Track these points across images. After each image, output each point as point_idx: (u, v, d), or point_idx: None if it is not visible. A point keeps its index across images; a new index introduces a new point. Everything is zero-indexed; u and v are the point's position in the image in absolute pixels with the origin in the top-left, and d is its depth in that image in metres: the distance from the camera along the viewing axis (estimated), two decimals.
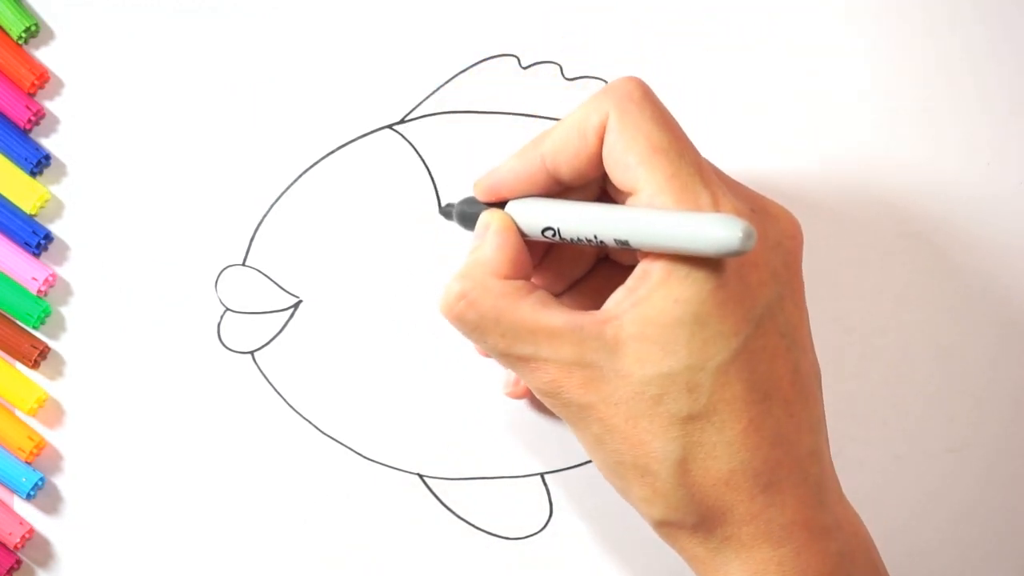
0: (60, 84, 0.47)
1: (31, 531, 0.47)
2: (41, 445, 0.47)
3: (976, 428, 0.48)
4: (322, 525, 0.47)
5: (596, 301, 0.38)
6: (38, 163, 0.47)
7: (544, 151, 0.39)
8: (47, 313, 0.47)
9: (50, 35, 0.47)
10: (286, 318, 0.47)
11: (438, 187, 0.47)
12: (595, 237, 0.37)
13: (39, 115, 0.47)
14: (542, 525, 0.47)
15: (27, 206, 0.47)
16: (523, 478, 0.47)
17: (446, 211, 0.44)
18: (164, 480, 0.47)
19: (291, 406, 0.47)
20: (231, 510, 0.47)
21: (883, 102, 0.48)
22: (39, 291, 0.47)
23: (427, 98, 0.48)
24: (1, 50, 0.47)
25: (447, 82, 0.48)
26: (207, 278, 0.47)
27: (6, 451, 0.47)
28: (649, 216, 0.35)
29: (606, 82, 0.48)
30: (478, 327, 0.38)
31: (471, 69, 0.48)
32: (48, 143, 0.47)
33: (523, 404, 0.47)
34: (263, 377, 0.47)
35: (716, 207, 0.36)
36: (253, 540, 0.47)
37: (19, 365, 0.47)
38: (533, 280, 0.41)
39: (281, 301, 0.47)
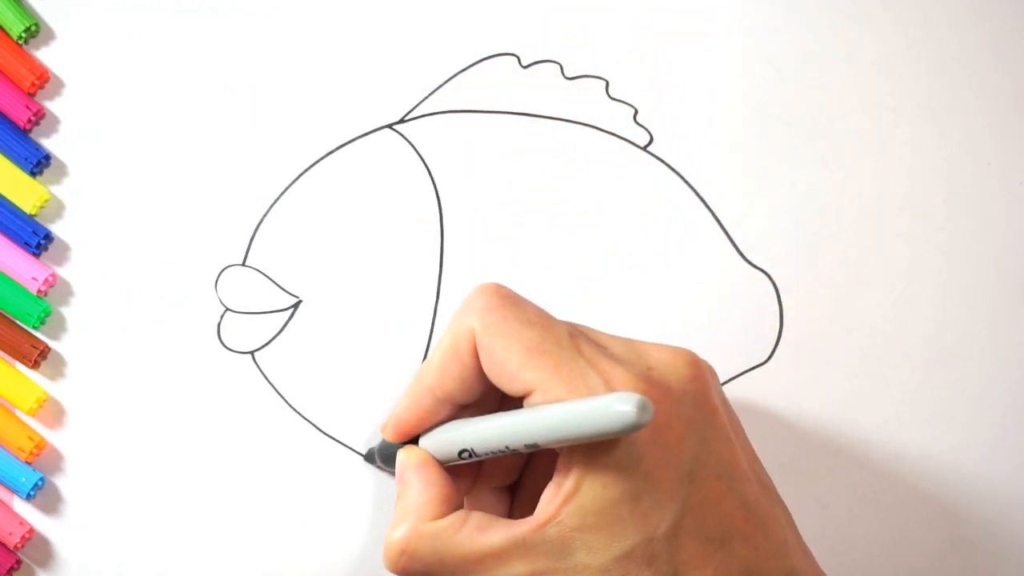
0: (60, 84, 0.47)
1: (31, 531, 0.47)
2: (41, 445, 0.47)
3: (976, 428, 0.48)
4: (322, 525, 0.47)
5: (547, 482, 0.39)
6: (38, 163, 0.47)
7: (430, 384, 0.39)
8: (47, 313, 0.47)
9: (50, 35, 0.47)
10: (286, 318, 0.47)
11: (438, 187, 0.47)
12: (507, 447, 0.37)
13: (39, 115, 0.47)
14: None
15: (27, 206, 0.47)
16: None
17: (369, 457, 0.46)
18: (164, 480, 0.47)
19: (291, 406, 0.47)
20: (231, 510, 0.47)
21: (883, 102, 0.48)
22: (39, 291, 0.47)
23: (427, 98, 0.48)
24: (1, 50, 0.46)
25: (447, 82, 0.48)
26: (207, 278, 0.47)
27: (6, 451, 0.47)
28: (547, 415, 0.35)
29: (606, 82, 0.48)
30: (426, 574, 0.38)
31: (471, 69, 0.48)
32: (48, 143, 0.47)
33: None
34: (263, 377, 0.47)
35: (609, 384, 0.35)
36: (253, 540, 0.47)
37: (19, 365, 0.47)
38: (479, 491, 0.42)
39: (281, 301, 0.47)
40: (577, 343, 0.37)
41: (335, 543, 0.47)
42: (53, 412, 0.47)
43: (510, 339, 0.37)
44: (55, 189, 0.47)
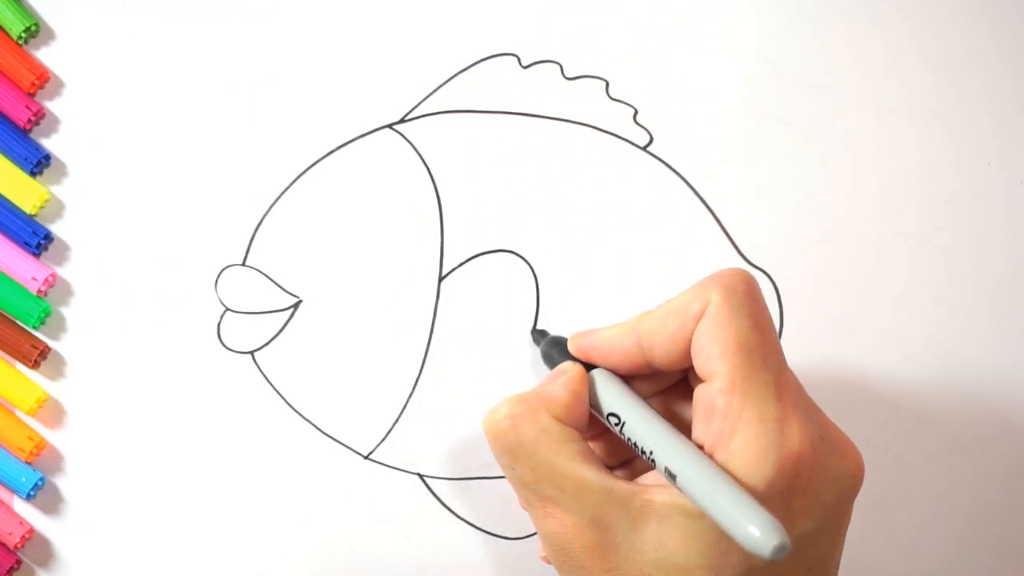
0: (60, 84, 0.47)
1: (31, 531, 0.47)
2: (41, 445, 0.47)
3: (976, 428, 0.48)
4: (322, 525, 0.47)
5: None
6: (38, 163, 0.47)
7: (642, 330, 0.38)
8: (47, 313, 0.47)
9: (50, 35, 0.47)
10: (286, 318, 0.47)
11: (438, 187, 0.47)
12: (649, 453, 0.36)
13: (39, 115, 0.47)
14: None
15: (27, 206, 0.47)
16: None
17: (536, 336, 0.46)
18: (164, 480, 0.47)
19: (291, 406, 0.47)
20: (231, 510, 0.47)
21: (883, 102, 0.48)
22: (39, 291, 0.47)
23: (427, 97, 0.48)
24: (1, 50, 0.46)
25: (447, 81, 0.48)
26: (207, 278, 0.47)
27: (6, 451, 0.47)
28: (704, 472, 0.34)
29: (606, 82, 0.48)
30: (512, 451, 0.37)
31: (471, 69, 0.48)
32: (48, 143, 0.47)
33: None
34: (263, 377, 0.47)
35: (782, 424, 0.35)
36: (253, 540, 0.47)
37: (19, 365, 0.47)
38: (593, 445, 0.41)
39: (281, 301, 0.47)
40: (782, 373, 0.36)
41: (335, 543, 0.47)
42: (53, 412, 0.47)
43: (731, 325, 0.36)
44: (55, 189, 0.47)
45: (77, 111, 0.47)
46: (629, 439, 0.38)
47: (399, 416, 0.47)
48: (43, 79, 0.47)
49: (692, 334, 0.37)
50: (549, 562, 0.39)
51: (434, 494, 0.47)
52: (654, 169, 0.48)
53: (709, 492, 0.34)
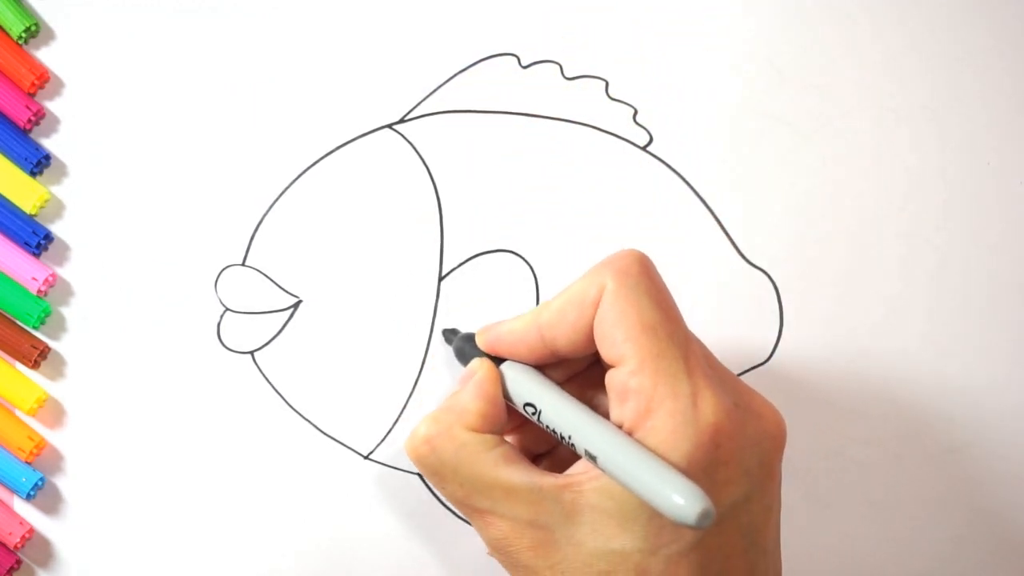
0: (60, 84, 0.47)
1: (31, 531, 0.47)
2: (41, 445, 0.47)
3: (976, 428, 0.48)
4: (322, 525, 0.47)
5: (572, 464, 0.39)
6: (38, 163, 0.47)
7: (543, 322, 0.38)
8: (47, 313, 0.47)
9: (50, 35, 0.47)
10: (286, 318, 0.47)
11: (438, 187, 0.47)
12: (568, 438, 0.37)
13: (39, 115, 0.47)
14: None
15: (27, 206, 0.47)
16: None
17: (447, 335, 0.45)
18: (164, 480, 0.47)
19: (291, 406, 0.47)
20: (231, 510, 0.47)
21: (883, 102, 0.48)
22: (39, 291, 0.47)
23: (427, 97, 0.48)
24: (1, 50, 0.46)
25: (447, 81, 0.48)
26: (207, 278, 0.47)
27: (6, 451, 0.47)
28: (623, 450, 0.35)
29: (606, 82, 0.48)
30: (437, 472, 0.38)
31: (471, 68, 0.48)
32: (48, 143, 0.47)
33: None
34: (263, 377, 0.47)
35: (695, 398, 0.35)
36: (253, 539, 0.47)
37: (19, 365, 0.47)
38: (516, 437, 0.42)
39: (281, 301, 0.47)
40: (689, 346, 0.36)
41: (335, 543, 0.47)
42: (53, 412, 0.47)
43: (631, 308, 0.36)
44: (55, 189, 0.47)
45: (77, 111, 0.47)
46: (548, 426, 0.38)
47: (399, 416, 0.47)
48: (43, 79, 0.47)
49: (592, 321, 0.37)
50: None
51: (434, 494, 0.47)
52: (654, 169, 0.48)
53: (630, 468, 0.34)
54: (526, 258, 0.47)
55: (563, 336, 0.38)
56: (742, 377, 0.47)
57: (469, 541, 0.47)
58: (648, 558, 0.35)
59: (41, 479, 0.47)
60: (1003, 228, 0.48)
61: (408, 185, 0.47)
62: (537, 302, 0.47)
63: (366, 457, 0.47)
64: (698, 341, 0.38)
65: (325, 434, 0.47)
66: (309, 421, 0.47)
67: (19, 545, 0.46)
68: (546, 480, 0.36)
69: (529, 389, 0.39)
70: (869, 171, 0.48)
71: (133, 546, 0.47)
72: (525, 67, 0.48)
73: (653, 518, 0.35)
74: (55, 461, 0.47)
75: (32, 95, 0.47)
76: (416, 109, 0.48)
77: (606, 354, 0.37)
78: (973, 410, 0.48)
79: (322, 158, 0.48)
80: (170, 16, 0.48)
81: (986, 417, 0.48)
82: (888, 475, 0.48)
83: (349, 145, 0.48)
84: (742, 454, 0.36)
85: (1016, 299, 0.48)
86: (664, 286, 0.38)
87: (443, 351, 0.47)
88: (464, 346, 0.42)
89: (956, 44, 0.49)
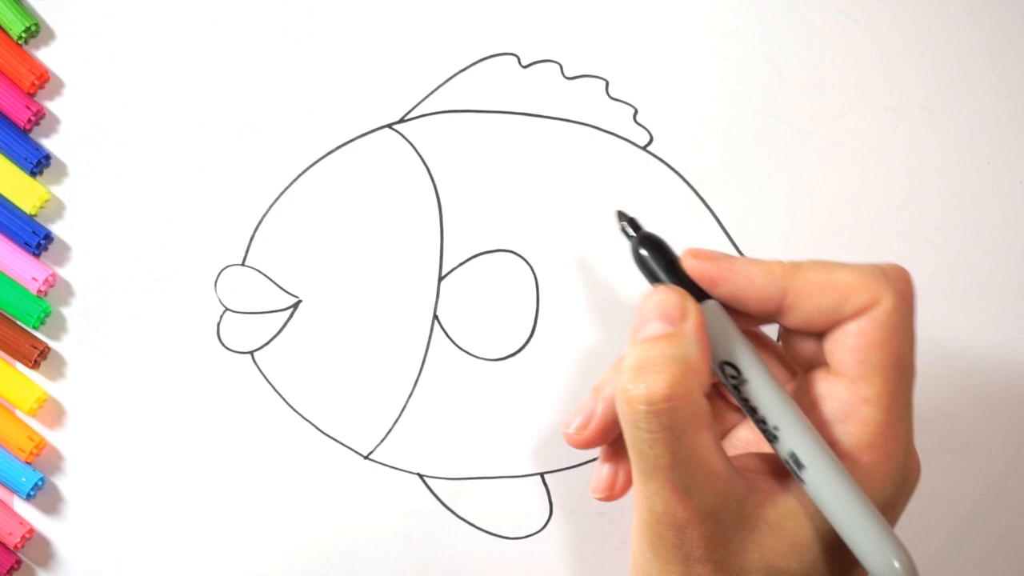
0: (60, 84, 0.47)
1: (31, 531, 0.47)
2: (41, 445, 0.47)
3: (976, 428, 0.48)
4: (322, 525, 0.47)
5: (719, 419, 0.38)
6: (38, 163, 0.47)
7: (794, 286, 0.35)
8: (47, 313, 0.47)
9: (50, 35, 0.47)
10: (286, 318, 0.47)
11: (438, 186, 0.47)
12: (774, 429, 0.34)
13: (39, 115, 0.47)
14: (542, 525, 0.47)
15: (27, 206, 0.47)
16: (523, 478, 0.47)
17: (626, 220, 0.38)
18: (164, 480, 0.47)
19: (291, 406, 0.47)
20: (231, 510, 0.47)
21: (883, 102, 0.48)
22: (39, 291, 0.47)
23: (427, 97, 0.48)
24: (1, 50, 0.46)
25: (447, 81, 0.48)
26: (207, 278, 0.47)
27: (6, 451, 0.47)
28: (839, 481, 0.33)
29: (606, 82, 0.48)
30: (659, 432, 0.33)
31: (471, 68, 0.48)
32: (48, 143, 0.47)
33: (524, 406, 0.47)
34: (263, 377, 0.47)
35: (908, 447, 0.35)
36: (253, 539, 0.47)
37: (19, 365, 0.47)
38: None
39: (280, 301, 0.47)
40: (912, 392, 0.35)
41: (336, 543, 0.47)
42: (53, 412, 0.47)
43: (896, 338, 0.34)
44: (55, 189, 0.47)
45: (77, 111, 0.47)
46: (746, 399, 0.35)
47: (399, 416, 0.47)
48: (43, 79, 0.47)
49: (846, 320, 0.35)
50: (582, 446, 0.37)
51: (434, 494, 0.47)
52: (654, 169, 0.48)
53: (843, 508, 0.33)
54: (526, 258, 0.47)
55: (803, 313, 0.35)
56: None
57: (469, 541, 0.47)
58: None
59: (41, 479, 0.47)
60: (1003, 228, 0.48)
61: (408, 185, 0.47)
62: (537, 302, 0.47)
63: (366, 457, 0.47)
64: None
65: (325, 434, 0.47)
66: (309, 421, 0.47)
67: (19, 545, 0.46)
68: (738, 479, 0.35)
69: (735, 348, 0.34)
70: (868, 171, 0.48)
71: (133, 546, 0.47)
72: (525, 67, 0.48)
73: (826, 553, 0.34)
74: (55, 461, 0.47)
75: (32, 95, 0.47)
76: (416, 109, 0.48)
77: (839, 361, 0.35)
78: (972, 410, 0.48)
79: (322, 158, 0.48)
80: (170, 16, 0.48)
81: (985, 417, 0.48)
82: None
83: (349, 145, 0.48)
84: (904, 500, 0.36)
85: (1016, 299, 0.48)
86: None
87: (444, 351, 0.47)
88: (652, 259, 0.36)
89: (956, 44, 0.49)
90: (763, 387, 0.34)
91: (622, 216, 0.38)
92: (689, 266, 0.35)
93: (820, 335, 0.36)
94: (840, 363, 0.35)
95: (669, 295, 0.35)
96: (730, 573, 0.35)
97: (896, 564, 0.32)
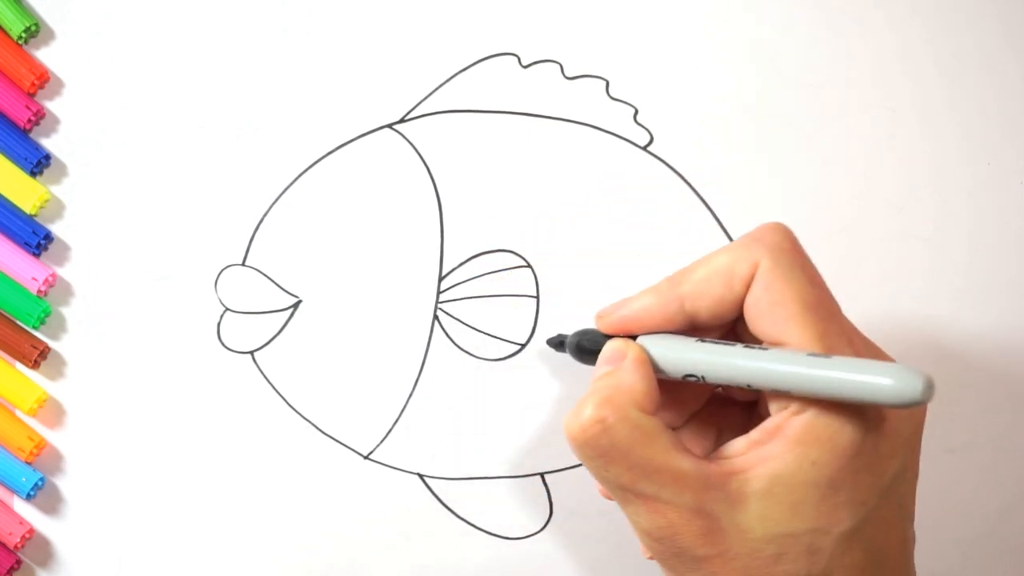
0: (60, 84, 0.47)
1: (31, 531, 0.47)
2: (41, 445, 0.47)
3: (976, 428, 0.48)
4: (322, 525, 0.47)
5: (707, 436, 0.38)
6: (38, 163, 0.47)
7: (684, 293, 0.37)
8: (47, 313, 0.47)
9: (50, 35, 0.47)
10: (286, 318, 0.47)
11: (438, 187, 0.47)
12: (749, 385, 0.36)
13: (39, 115, 0.47)
14: (542, 525, 0.47)
15: (27, 206, 0.47)
16: (523, 478, 0.47)
17: (554, 342, 0.43)
18: (164, 480, 0.47)
19: (291, 406, 0.47)
20: (231, 510, 0.47)
21: (883, 102, 0.48)
22: (39, 291, 0.47)
23: (427, 97, 0.48)
24: (1, 50, 0.46)
25: (447, 81, 0.48)
26: (207, 278, 0.47)
27: (6, 451, 0.47)
28: (818, 362, 0.34)
29: (606, 82, 0.48)
30: (606, 455, 0.35)
31: (471, 68, 0.48)
32: (48, 143, 0.47)
33: (524, 406, 0.47)
34: (263, 377, 0.47)
35: None
36: (253, 540, 0.47)
37: (19, 365, 0.47)
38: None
39: (281, 301, 0.47)
40: (844, 321, 0.36)
41: (336, 543, 0.47)
42: (53, 412, 0.47)
43: (791, 287, 0.35)
44: (55, 189, 0.47)
45: (77, 111, 0.47)
46: (723, 383, 0.36)
47: (399, 416, 0.47)
48: (43, 79, 0.47)
49: (742, 297, 0.36)
50: (652, 558, 0.38)
51: (434, 494, 0.47)
52: (654, 169, 0.48)
53: (834, 376, 0.33)
54: (526, 258, 0.47)
55: (707, 309, 0.37)
56: None
57: (469, 541, 0.47)
58: (821, 537, 0.35)
59: (41, 479, 0.47)
60: (1002, 228, 0.48)
61: (408, 185, 0.47)
62: (537, 302, 0.47)
63: (366, 457, 0.47)
64: (846, 318, 0.37)
65: (325, 434, 0.47)
66: (309, 421, 0.47)
67: (19, 545, 0.46)
68: (711, 468, 0.35)
69: (682, 358, 0.37)
70: (869, 171, 0.48)
71: (133, 546, 0.47)
72: (525, 67, 0.48)
73: (825, 498, 0.34)
74: (55, 461, 0.47)
75: (32, 95, 0.47)
76: (416, 109, 0.48)
77: (764, 333, 0.36)
78: (973, 410, 0.48)
79: (322, 158, 0.48)
80: (170, 16, 0.48)
81: (986, 417, 0.48)
82: None
83: (349, 145, 0.48)
84: (900, 425, 0.36)
85: (1015, 298, 0.48)
86: (811, 261, 0.37)
87: (444, 351, 0.47)
88: (582, 340, 0.40)
89: (956, 43, 0.49)
90: (724, 366, 0.36)
91: (549, 343, 0.43)
92: (601, 327, 0.39)
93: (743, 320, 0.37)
94: (765, 334, 0.36)
95: (610, 344, 0.38)
96: (741, 558, 0.35)
97: (906, 375, 0.32)
